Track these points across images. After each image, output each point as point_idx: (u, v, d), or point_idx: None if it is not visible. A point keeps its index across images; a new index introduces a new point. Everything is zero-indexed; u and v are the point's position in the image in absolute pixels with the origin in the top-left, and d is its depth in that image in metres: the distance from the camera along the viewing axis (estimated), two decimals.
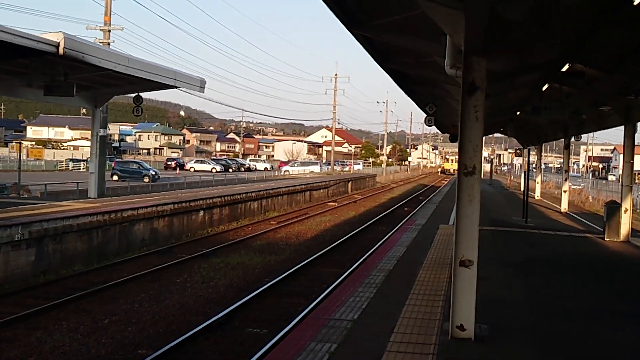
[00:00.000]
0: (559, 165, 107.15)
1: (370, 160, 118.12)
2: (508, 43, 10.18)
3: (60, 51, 15.27)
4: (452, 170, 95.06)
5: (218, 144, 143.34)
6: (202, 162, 78.39)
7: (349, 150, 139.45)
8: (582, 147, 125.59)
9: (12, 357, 8.89)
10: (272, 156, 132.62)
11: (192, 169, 72.12)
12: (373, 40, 12.65)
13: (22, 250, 13.88)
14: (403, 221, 22.09)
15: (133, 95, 23.95)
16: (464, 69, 6.75)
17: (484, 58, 6.73)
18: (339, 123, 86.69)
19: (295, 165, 77.43)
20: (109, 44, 27.61)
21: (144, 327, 10.49)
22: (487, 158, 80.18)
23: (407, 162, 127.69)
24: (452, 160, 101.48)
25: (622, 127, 16.84)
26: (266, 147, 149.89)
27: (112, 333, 10.12)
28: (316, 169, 72.90)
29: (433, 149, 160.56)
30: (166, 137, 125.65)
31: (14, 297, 12.41)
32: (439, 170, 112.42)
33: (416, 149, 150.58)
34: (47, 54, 15.37)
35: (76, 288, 13.20)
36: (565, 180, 27.31)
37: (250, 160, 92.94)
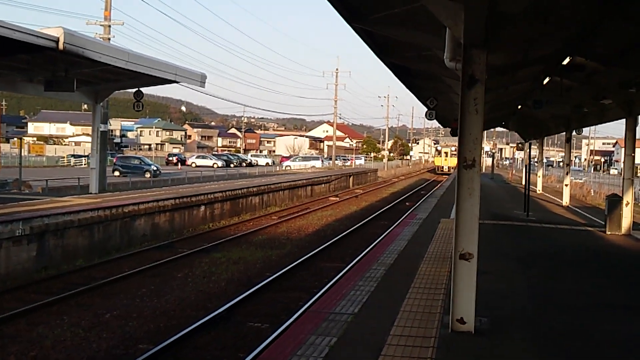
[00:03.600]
0: (560, 159, 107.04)
1: (372, 155, 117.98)
2: (509, 36, 10.16)
3: (61, 46, 15.25)
4: (446, 169, 76.32)
5: (219, 139, 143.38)
6: (203, 157, 78.41)
7: (350, 145, 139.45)
8: (584, 141, 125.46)
9: (14, 352, 8.89)
10: (274, 151, 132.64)
11: (193, 165, 72.14)
12: (373, 33, 12.62)
13: (24, 246, 13.89)
14: (404, 215, 22.08)
15: (134, 90, 23.92)
16: (463, 61, 6.73)
17: (484, 51, 6.71)
18: (340, 118, 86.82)
19: (297, 160, 77.46)
20: (109, 39, 27.59)
21: (145, 322, 10.49)
22: (489, 152, 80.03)
23: (408, 157, 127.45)
24: (446, 153, 78.78)
25: (624, 121, 16.81)
26: (268, 142, 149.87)
27: (113, 328, 10.13)
28: (317, 163, 72.89)
29: (435, 144, 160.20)
30: (167, 133, 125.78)
31: (15, 292, 12.41)
32: (435, 167, 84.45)
33: (418, 143, 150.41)
34: (47, 49, 15.35)
35: (77, 283, 13.20)
36: (567, 173, 27.29)
37: (251, 156, 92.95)
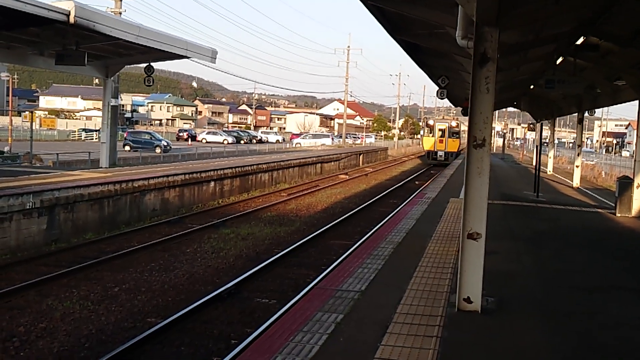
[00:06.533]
0: (572, 141, 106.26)
1: (382, 133, 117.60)
2: (522, 15, 10.03)
3: (72, 20, 15.25)
4: (442, 156, 50.33)
5: (230, 115, 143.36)
6: (214, 133, 78.45)
7: (361, 123, 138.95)
8: (596, 123, 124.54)
9: (24, 323, 8.99)
10: (284, 128, 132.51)
11: (203, 140, 72.23)
12: (385, 10, 12.51)
13: (34, 219, 13.99)
14: (413, 194, 22.03)
15: (145, 65, 23.91)
16: (475, 39, 6.66)
17: (496, 29, 6.64)
18: (351, 96, 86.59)
19: (307, 137, 77.35)
20: (120, 13, 27.50)
21: (154, 296, 10.58)
22: (500, 132, 79.53)
23: (419, 136, 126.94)
24: (442, 131, 50.85)
25: (637, 102, 16.65)
26: (278, 119, 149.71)
27: (121, 301, 10.22)
28: (328, 141, 72.82)
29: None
30: (178, 108, 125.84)
31: (25, 264, 12.53)
32: (425, 153, 53.80)
33: None
34: (58, 22, 15.35)
35: (87, 256, 13.31)
36: (578, 155, 27.13)
37: (262, 132, 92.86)
